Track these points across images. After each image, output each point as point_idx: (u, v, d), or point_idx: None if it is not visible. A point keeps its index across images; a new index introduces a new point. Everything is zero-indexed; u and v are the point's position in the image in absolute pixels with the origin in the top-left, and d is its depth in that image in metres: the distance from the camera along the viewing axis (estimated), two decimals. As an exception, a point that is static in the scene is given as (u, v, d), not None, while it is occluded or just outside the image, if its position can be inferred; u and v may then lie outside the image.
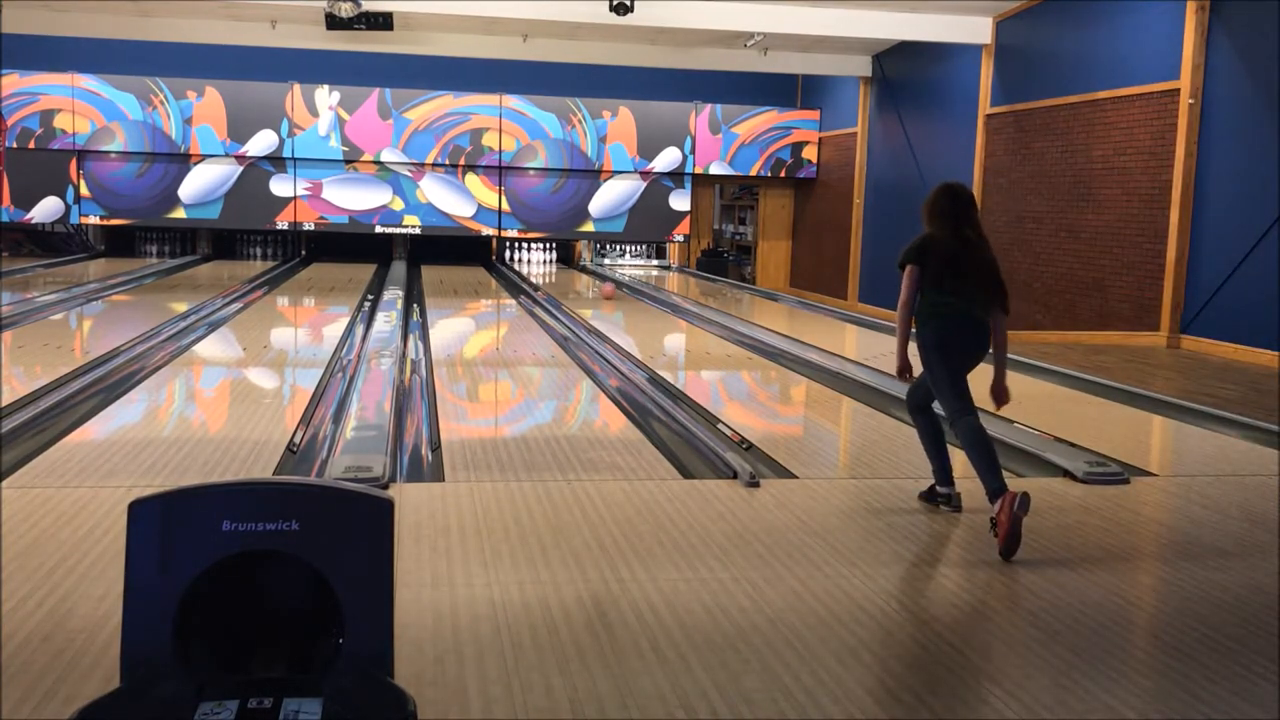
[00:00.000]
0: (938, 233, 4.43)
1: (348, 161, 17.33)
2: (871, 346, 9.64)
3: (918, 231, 4.50)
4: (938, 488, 4.52)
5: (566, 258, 19.05)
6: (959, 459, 4.45)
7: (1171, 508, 4.77)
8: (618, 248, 19.13)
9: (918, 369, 4.51)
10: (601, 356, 8.54)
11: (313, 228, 17.64)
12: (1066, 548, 4.03)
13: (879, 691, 2.81)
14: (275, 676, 2.09)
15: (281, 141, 17.06)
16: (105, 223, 17.28)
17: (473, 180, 17.71)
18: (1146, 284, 10.62)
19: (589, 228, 18.14)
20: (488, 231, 17.89)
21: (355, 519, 2.13)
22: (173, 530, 2.09)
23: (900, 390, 7.17)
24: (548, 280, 16.25)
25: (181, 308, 11.09)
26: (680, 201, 18.37)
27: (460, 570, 3.60)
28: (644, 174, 18.11)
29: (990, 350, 4.43)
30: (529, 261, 18.77)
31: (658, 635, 3.10)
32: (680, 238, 18.55)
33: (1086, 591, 3.58)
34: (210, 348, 8.94)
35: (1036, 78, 12.37)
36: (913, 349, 4.44)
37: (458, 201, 17.72)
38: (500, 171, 17.71)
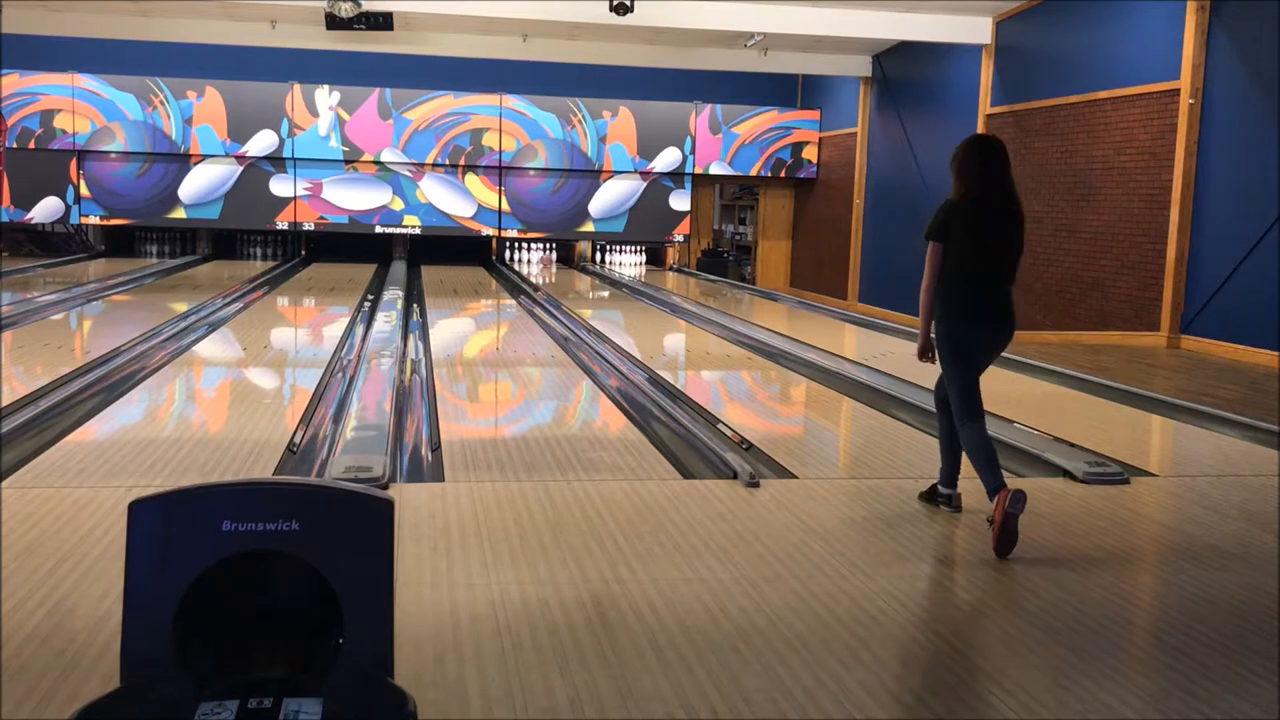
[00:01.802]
0: (965, 196, 4.18)
1: (348, 161, 17.33)
2: (871, 346, 9.64)
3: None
4: (940, 487, 4.49)
5: (566, 258, 19.06)
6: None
7: (1171, 508, 4.77)
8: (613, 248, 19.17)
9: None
10: (601, 356, 8.54)
11: (313, 228, 17.65)
12: (1066, 548, 4.03)
13: (879, 691, 2.81)
14: (275, 676, 2.09)
15: (281, 141, 17.06)
16: (105, 223, 17.28)
17: (473, 180, 17.72)
18: (1146, 284, 10.62)
19: (589, 228, 18.14)
20: (488, 231, 17.89)
21: (355, 519, 2.13)
22: (173, 530, 2.09)
23: (899, 390, 7.18)
24: (548, 280, 16.26)
25: (181, 308, 11.08)
26: (680, 201, 18.37)
27: (460, 570, 3.60)
28: (644, 174, 18.11)
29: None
30: (529, 261, 18.78)
31: (658, 635, 3.10)
32: (680, 238, 18.56)
33: (1086, 591, 3.58)
34: (210, 348, 8.94)
35: (1036, 78, 12.37)
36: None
37: (458, 201, 17.72)
38: (500, 171, 17.71)
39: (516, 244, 18.64)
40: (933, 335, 4.33)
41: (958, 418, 4.24)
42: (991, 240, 4.18)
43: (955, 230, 4.18)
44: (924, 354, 4.41)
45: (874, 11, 13.07)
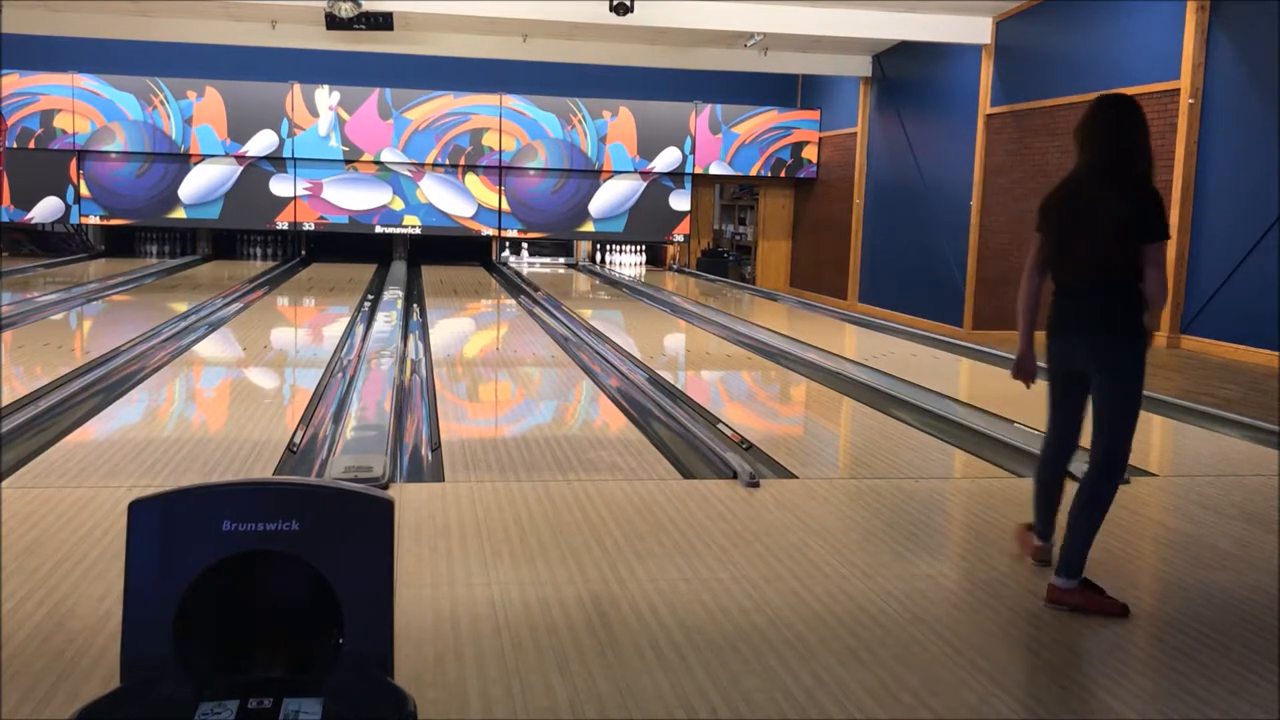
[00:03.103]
0: (1076, 172, 3.43)
1: (348, 161, 17.32)
2: (871, 346, 9.64)
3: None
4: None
5: (569, 249, 19.06)
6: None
7: (1171, 508, 4.77)
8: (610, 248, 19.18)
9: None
10: (601, 356, 8.54)
11: (313, 228, 17.64)
12: (1066, 548, 4.02)
13: (879, 691, 2.81)
14: (275, 676, 2.09)
15: (281, 141, 17.06)
16: (105, 223, 17.27)
17: (473, 180, 17.71)
18: (1146, 284, 10.60)
19: (589, 228, 18.14)
20: (488, 231, 17.89)
21: (355, 519, 2.13)
22: (173, 530, 2.09)
23: (900, 390, 7.18)
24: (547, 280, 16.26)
25: (181, 308, 11.08)
26: (680, 201, 18.37)
27: (460, 570, 3.60)
28: (644, 174, 18.10)
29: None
30: (524, 259, 18.81)
31: (658, 635, 3.10)
32: (680, 237, 18.56)
33: (1086, 591, 3.58)
34: (210, 348, 8.94)
35: (1036, 78, 12.37)
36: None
37: (458, 201, 17.72)
38: (500, 171, 17.71)
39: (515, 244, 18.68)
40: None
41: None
42: (1089, 233, 3.36)
43: (1049, 219, 3.48)
44: (1019, 369, 3.66)
45: (874, 11, 13.06)
